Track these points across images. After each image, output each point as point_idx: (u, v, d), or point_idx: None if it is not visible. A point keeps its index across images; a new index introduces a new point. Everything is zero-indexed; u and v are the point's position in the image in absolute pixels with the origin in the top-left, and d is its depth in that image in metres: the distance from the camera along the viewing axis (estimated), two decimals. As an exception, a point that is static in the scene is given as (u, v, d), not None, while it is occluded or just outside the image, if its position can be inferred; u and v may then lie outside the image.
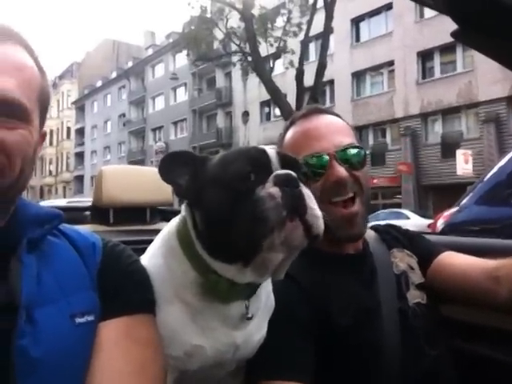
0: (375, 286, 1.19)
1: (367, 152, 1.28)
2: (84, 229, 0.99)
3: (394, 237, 1.37)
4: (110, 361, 0.78)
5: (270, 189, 0.80)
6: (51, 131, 56.91)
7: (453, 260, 1.28)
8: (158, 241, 1.01)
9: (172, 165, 0.92)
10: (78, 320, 0.79)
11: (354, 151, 1.20)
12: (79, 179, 52.19)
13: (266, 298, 1.01)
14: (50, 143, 56.85)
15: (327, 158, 1.17)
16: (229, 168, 0.86)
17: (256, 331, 0.98)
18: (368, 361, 1.09)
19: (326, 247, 1.22)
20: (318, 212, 0.83)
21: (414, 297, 1.23)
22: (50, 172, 57.88)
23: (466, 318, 1.33)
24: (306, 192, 0.83)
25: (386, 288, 1.19)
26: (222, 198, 0.84)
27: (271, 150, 0.89)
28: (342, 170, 1.16)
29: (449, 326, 1.29)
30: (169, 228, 1.00)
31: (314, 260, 1.17)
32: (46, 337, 0.73)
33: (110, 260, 0.90)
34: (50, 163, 57.86)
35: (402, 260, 1.29)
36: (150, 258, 0.99)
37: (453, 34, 0.61)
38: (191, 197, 0.93)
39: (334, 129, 1.23)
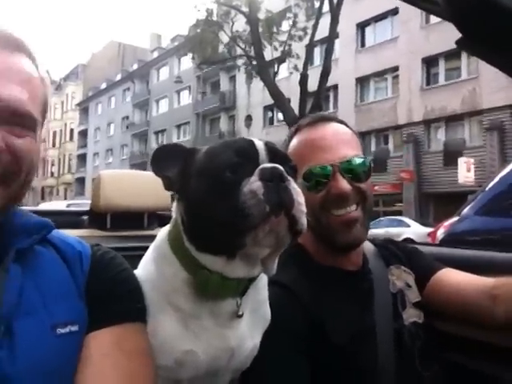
0: (371, 306, 1.18)
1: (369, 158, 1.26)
2: (74, 236, 0.98)
3: (392, 253, 1.35)
4: (99, 373, 0.77)
5: (253, 184, 0.79)
6: (54, 133, 57.13)
7: (450, 277, 1.26)
8: (151, 247, 1.01)
9: (162, 158, 0.92)
10: (60, 330, 0.77)
11: (358, 162, 1.17)
12: (80, 181, 52.28)
13: (259, 303, 1.00)
14: (53, 145, 57.06)
15: (330, 169, 1.15)
16: (216, 158, 0.85)
17: (249, 336, 0.96)
18: (362, 382, 1.08)
19: (326, 261, 1.21)
20: (304, 208, 0.82)
21: (411, 316, 1.22)
22: (52, 173, 57.98)
23: (463, 333, 1.31)
24: (293, 186, 0.82)
25: (381, 309, 1.18)
26: (207, 187, 0.83)
27: (259, 142, 0.88)
28: (344, 183, 1.14)
29: (445, 341, 1.27)
30: (161, 232, 1.00)
31: (312, 274, 1.17)
32: (23, 349, 0.72)
33: (98, 268, 0.89)
34: (53, 165, 57.98)
35: (399, 278, 1.28)
36: (143, 266, 0.99)
37: (457, 43, 0.62)
38: (178, 188, 0.92)
39: (339, 139, 1.20)
